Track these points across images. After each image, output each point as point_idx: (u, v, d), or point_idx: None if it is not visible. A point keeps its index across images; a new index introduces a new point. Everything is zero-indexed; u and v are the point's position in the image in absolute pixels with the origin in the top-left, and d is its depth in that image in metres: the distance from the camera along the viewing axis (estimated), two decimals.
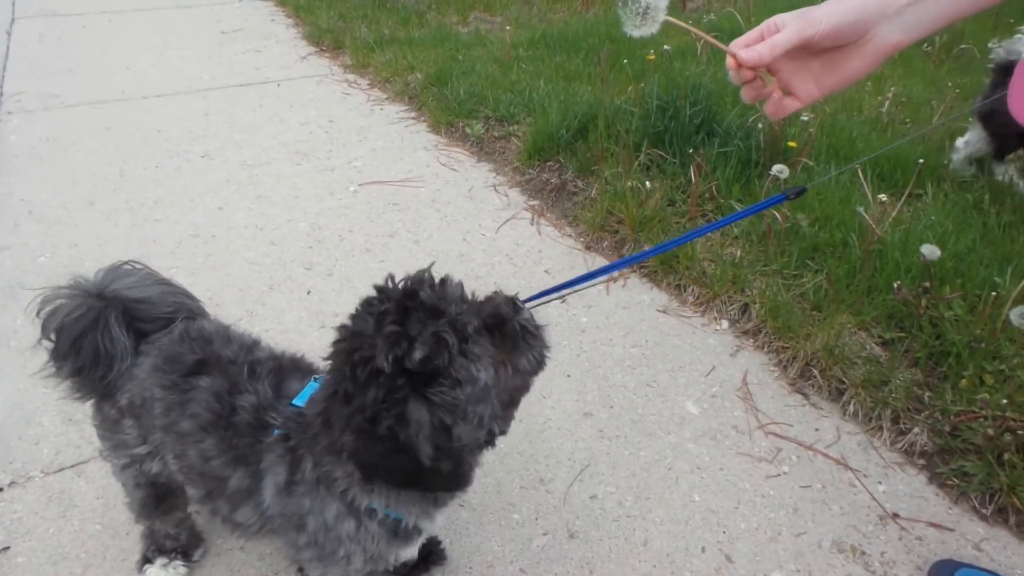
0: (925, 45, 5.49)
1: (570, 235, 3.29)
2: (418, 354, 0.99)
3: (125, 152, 4.13)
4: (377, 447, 1.03)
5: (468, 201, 3.61)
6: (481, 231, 3.32)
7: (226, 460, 1.27)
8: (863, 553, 1.81)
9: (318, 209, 3.51)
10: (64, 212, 3.44)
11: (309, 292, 2.85)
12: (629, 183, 3.24)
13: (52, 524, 1.86)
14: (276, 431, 1.24)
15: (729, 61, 1.00)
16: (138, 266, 1.49)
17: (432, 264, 1.14)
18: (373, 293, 1.11)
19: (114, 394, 1.41)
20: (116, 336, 1.37)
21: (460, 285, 1.13)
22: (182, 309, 1.50)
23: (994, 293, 2.29)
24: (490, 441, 1.13)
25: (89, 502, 1.92)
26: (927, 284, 2.37)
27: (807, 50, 0.98)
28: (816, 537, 1.85)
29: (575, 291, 1.51)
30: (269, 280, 2.93)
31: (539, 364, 1.16)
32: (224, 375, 1.32)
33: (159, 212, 3.47)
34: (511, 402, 1.14)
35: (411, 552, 1.37)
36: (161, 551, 1.68)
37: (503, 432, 1.14)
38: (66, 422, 2.18)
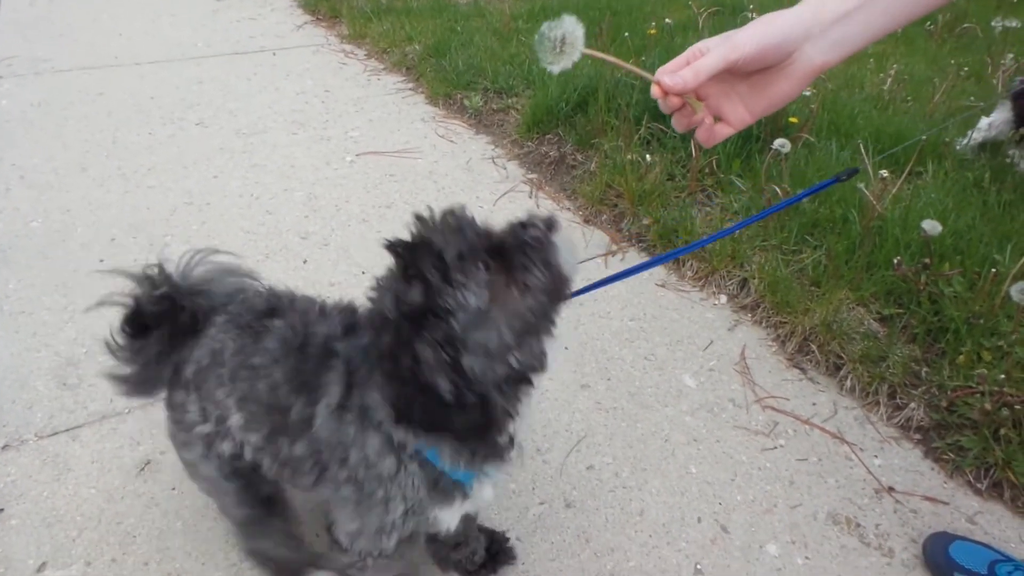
0: (928, 24, 5.45)
1: (569, 208, 3.27)
2: (411, 295, 0.98)
3: (118, 118, 4.07)
4: (404, 388, 1.02)
5: (466, 173, 3.58)
6: (479, 203, 3.29)
7: (291, 388, 1.23)
8: (858, 525, 1.82)
9: (314, 179, 3.47)
10: (56, 177, 3.39)
11: (305, 261, 2.83)
12: (629, 156, 3.22)
13: (46, 487, 1.85)
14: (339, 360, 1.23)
15: (654, 90, 0.96)
16: (210, 255, 1.46)
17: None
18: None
19: (181, 372, 1.37)
20: (188, 325, 1.36)
21: (470, 219, 1.06)
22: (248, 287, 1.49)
23: (993, 270, 2.28)
24: (517, 376, 1.06)
25: (84, 466, 1.91)
26: (927, 260, 2.36)
27: (734, 74, 0.95)
28: (811, 509, 1.86)
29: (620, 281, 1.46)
30: (265, 249, 2.90)
31: (554, 278, 1.04)
32: (296, 313, 1.31)
33: (152, 179, 3.42)
34: (528, 328, 1.04)
35: (452, 517, 1.29)
36: None
37: (531, 366, 1.06)
38: (60, 387, 2.16)
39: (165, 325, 1.35)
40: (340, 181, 3.45)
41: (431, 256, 0.98)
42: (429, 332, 0.98)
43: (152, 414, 2.07)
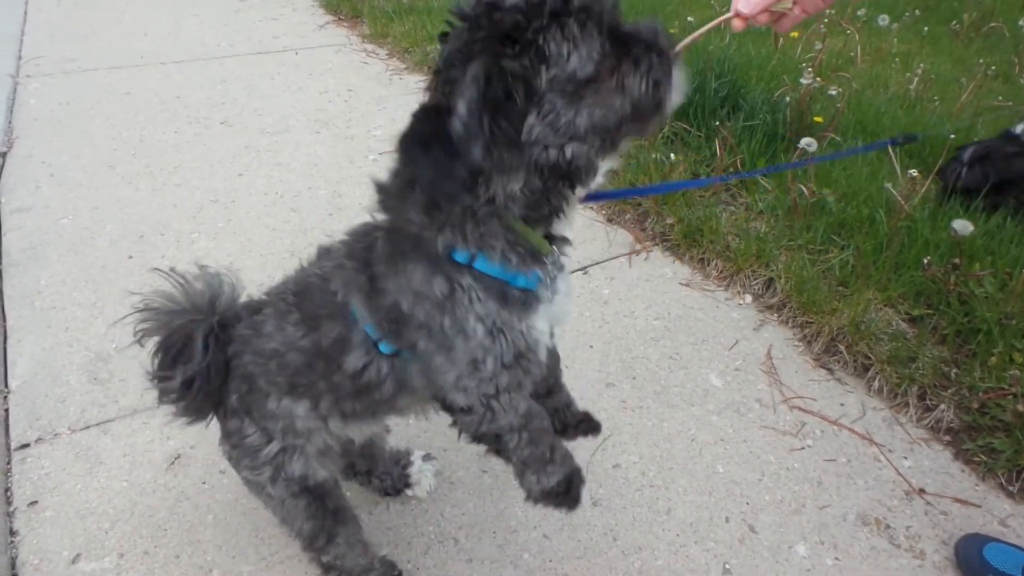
0: (954, 23, 5.38)
1: (592, 207, 3.26)
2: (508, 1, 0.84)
3: (144, 117, 4.11)
4: (426, 127, 0.88)
5: None
6: None
7: (320, 333, 1.21)
8: (888, 527, 1.80)
9: (338, 177, 3.49)
10: (84, 175, 3.43)
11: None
12: (653, 155, 3.21)
13: (79, 480, 1.87)
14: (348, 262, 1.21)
15: (736, 24, 0.97)
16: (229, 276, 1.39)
17: None
18: None
19: (226, 402, 1.32)
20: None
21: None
22: None
23: None
24: (562, 172, 0.93)
25: (115, 459, 1.93)
26: (956, 261, 2.34)
27: None
28: (840, 510, 1.84)
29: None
30: (290, 246, 2.92)
31: (654, 95, 0.93)
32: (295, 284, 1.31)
33: (179, 177, 3.46)
34: (605, 126, 0.93)
35: (542, 327, 1.16)
36: None
37: (580, 168, 0.94)
38: (91, 381, 2.19)
39: (203, 352, 1.28)
40: (364, 180, 3.45)
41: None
42: (506, 57, 0.85)
43: None
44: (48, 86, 4.50)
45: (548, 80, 0.86)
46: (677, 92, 0.98)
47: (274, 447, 1.32)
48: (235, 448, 1.36)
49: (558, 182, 0.97)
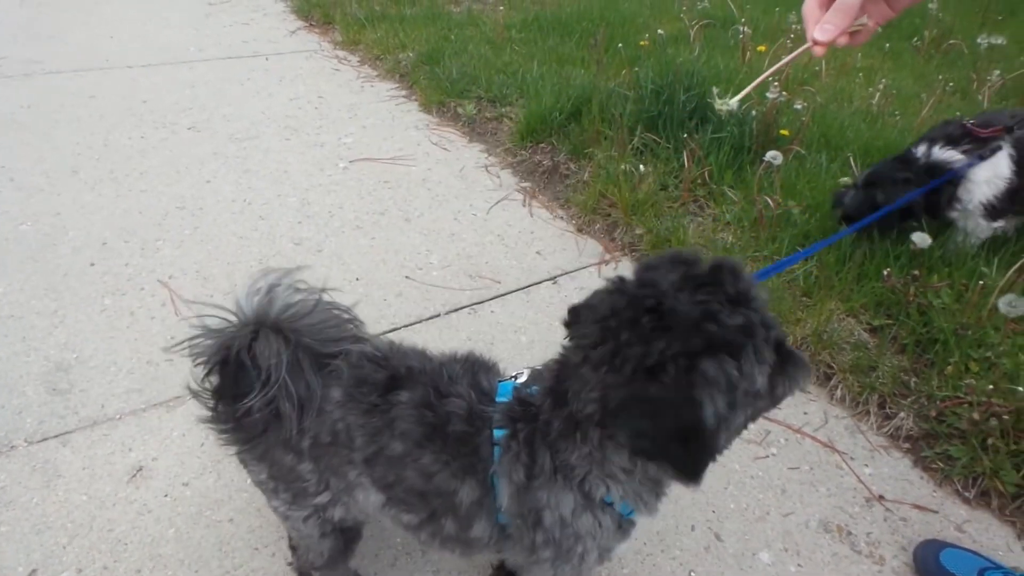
0: (915, 39, 5.53)
1: (562, 217, 3.28)
2: (737, 320, 0.94)
3: (109, 122, 4.05)
4: (651, 403, 0.95)
5: (460, 181, 3.58)
6: (472, 211, 3.30)
7: (451, 472, 1.18)
8: (849, 533, 1.84)
9: (308, 184, 3.47)
10: (46, 180, 3.37)
11: (299, 268, 2.82)
12: (622, 166, 3.24)
13: (36, 494, 1.83)
14: (498, 431, 1.17)
15: (817, 51, 0.98)
16: (299, 285, 1.28)
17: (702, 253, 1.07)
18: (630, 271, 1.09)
19: (293, 438, 1.23)
20: (313, 383, 1.20)
21: (752, 282, 1.02)
22: (348, 332, 1.32)
23: (981, 282, 2.32)
24: (715, 452, 1.03)
25: (74, 472, 1.89)
26: (915, 272, 2.40)
27: None
28: (803, 517, 1.88)
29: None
30: (258, 254, 2.89)
31: (786, 394, 1.08)
32: (421, 384, 1.22)
33: (144, 183, 3.40)
34: (752, 419, 1.07)
35: (626, 546, 1.30)
36: None
37: (726, 446, 1.05)
38: (50, 392, 2.14)
39: (281, 373, 1.16)
40: (333, 187, 3.45)
41: (757, 312, 0.98)
42: (726, 364, 0.94)
43: (144, 419, 2.06)
44: (9, 88, 4.41)
45: (742, 389, 0.96)
46: (799, 389, 1.13)
47: (325, 497, 1.29)
48: (275, 480, 1.30)
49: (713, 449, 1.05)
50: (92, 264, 2.76)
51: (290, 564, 1.62)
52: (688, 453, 0.98)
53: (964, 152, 2.53)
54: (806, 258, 2.66)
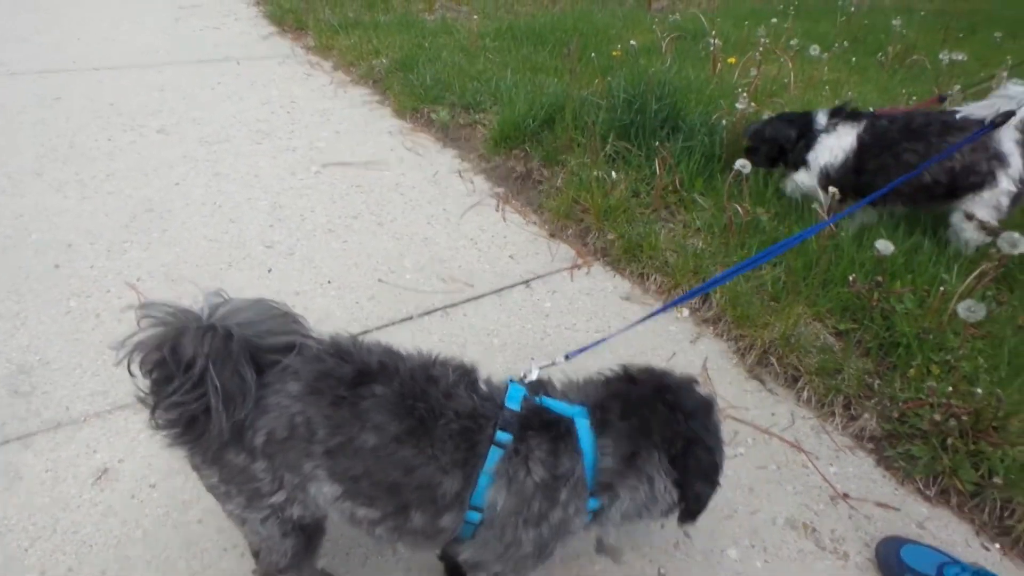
0: (880, 55, 5.68)
1: (535, 222, 3.31)
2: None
3: (75, 124, 3.99)
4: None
5: (433, 186, 3.59)
6: (446, 216, 3.31)
7: (438, 466, 1.21)
8: (814, 530, 1.87)
9: (279, 188, 3.45)
10: (9, 182, 3.30)
11: (270, 271, 2.80)
12: (595, 173, 3.28)
13: None
14: (503, 434, 1.24)
15: None
16: (233, 297, 1.27)
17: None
18: None
19: (243, 436, 1.22)
20: (245, 374, 1.18)
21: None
22: (291, 329, 1.30)
23: (942, 288, 2.38)
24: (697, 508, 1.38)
25: (37, 475, 1.85)
26: (879, 278, 2.46)
27: None
28: (770, 515, 1.91)
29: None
30: (228, 258, 2.87)
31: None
32: (399, 380, 1.25)
33: (111, 185, 3.36)
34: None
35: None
36: None
37: (699, 503, 1.37)
38: (12, 394, 2.10)
39: (206, 364, 1.15)
40: (305, 191, 3.44)
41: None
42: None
43: (109, 421, 2.03)
44: None
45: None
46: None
47: (281, 496, 1.28)
48: (227, 483, 1.27)
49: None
50: (56, 266, 2.71)
51: (255, 572, 1.59)
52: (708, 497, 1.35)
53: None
54: (772, 261, 2.72)
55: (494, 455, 1.22)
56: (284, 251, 2.94)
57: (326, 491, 1.25)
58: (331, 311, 2.57)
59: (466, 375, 1.33)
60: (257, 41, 5.84)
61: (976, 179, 2.63)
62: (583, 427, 1.30)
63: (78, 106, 4.24)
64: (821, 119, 2.97)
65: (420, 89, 4.53)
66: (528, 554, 1.29)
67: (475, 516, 1.24)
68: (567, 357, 1.44)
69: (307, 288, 2.71)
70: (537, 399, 1.33)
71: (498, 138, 3.85)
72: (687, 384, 1.41)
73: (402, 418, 1.21)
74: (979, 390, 2.06)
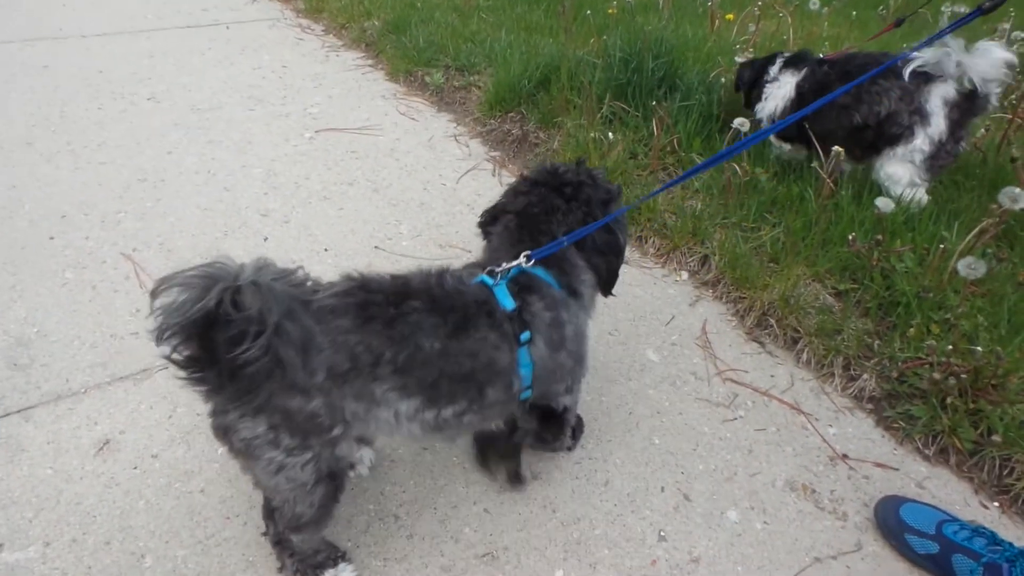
0: (880, 8, 5.56)
1: None
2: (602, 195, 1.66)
3: (65, 92, 3.92)
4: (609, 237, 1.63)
5: (428, 151, 3.55)
6: (441, 181, 3.27)
7: (491, 344, 1.41)
8: (814, 491, 1.88)
9: (273, 155, 3.40)
10: (0, 153, 3.25)
11: (266, 239, 2.78)
12: (592, 135, 3.23)
13: (0, 469, 1.79)
14: (507, 302, 1.45)
15: None
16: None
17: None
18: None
19: (298, 378, 1.23)
20: (308, 321, 1.19)
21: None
22: (311, 281, 1.31)
23: (942, 246, 2.37)
24: (610, 280, 1.69)
25: (39, 447, 1.85)
26: (879, 237, 2.44)
27: None
28: (770, 477, 1.92)
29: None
30: (223, 226, 2.84)
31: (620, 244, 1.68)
32: (423, 292, 1.39)
33: (103, 155, 3.31)
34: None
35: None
36: (342, 559, 1.60)
37: (610, 276, 1.68)
38: (11, 367, 2.10)
39: (274, 317, 1.13)
40: (300, 158, 3.39)
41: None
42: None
43: (109, 393, 2.03)
44: None
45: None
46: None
47: (338, 431, 1.32)
48: (277, 430, 1.27)
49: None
50: (51, 238, 2.69)
51: (265, 534, 1.61)
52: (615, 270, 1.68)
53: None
54: (770, 221, 2.69)
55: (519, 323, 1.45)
56: (280, 219, 2.91)
57: (402, 409, 1.36)
58: (329, 279, 2.55)
59: (453, 275, 1.47)
60: (246, 4, 5.72)
61: (897, 130, 2.63)
62: (539, 271, 1.54)
63: (67, 74, 4.16)
64: (774, 68, 3.02)
65: (413, 51, 4.44)
66: (571, 366, 1.58)
67: (528, 369, 1.47)
68: (529, 257, 1.52)
69: (304, 256, 2.69)
70: (504, 277, 1.51)
71: (493, 101, 3.79)
72: (584, 179, 1.65)
73: (447, 317, 1.37)
74: (979, 348, 2.05)
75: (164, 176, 3.17)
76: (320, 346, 1.23)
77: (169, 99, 3.94)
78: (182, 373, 1.19)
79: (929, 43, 2.41)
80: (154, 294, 1.13)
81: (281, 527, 1.49)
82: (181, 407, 1.99)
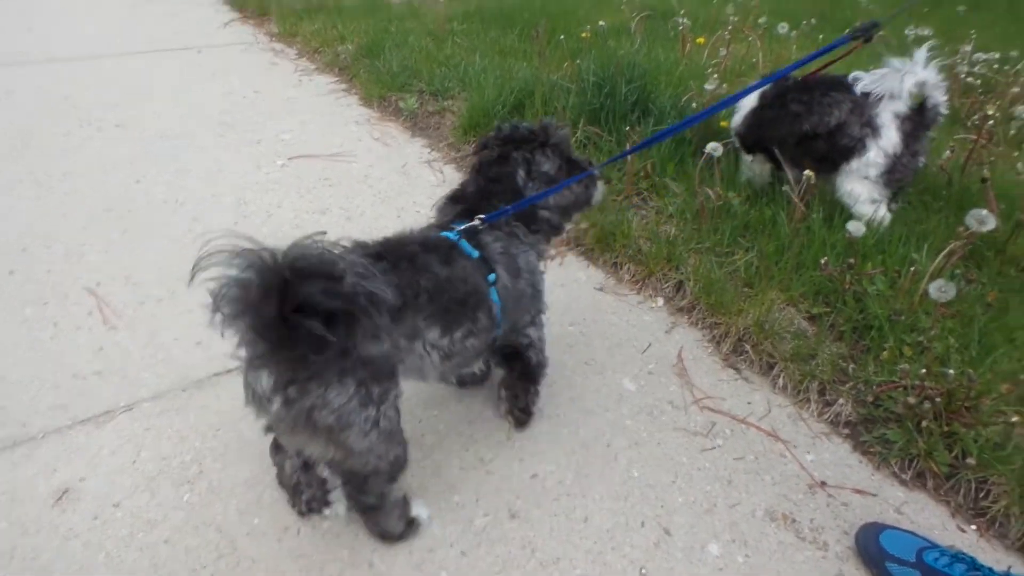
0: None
1: None
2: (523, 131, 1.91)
3: (28, 119, 3.85)
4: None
5: (402, 177, 3.52)
6: (416, 208, 3.25)
7: (472, 276, 1.66)
8: (794, 521, 1.87)
9: (244, 183, 3.36)
10: None
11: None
12: None
13: None
14: (468, 248, 1.69)
15: None
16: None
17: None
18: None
19: (379, 324, 1.31)
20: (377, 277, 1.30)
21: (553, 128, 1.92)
22: None
23: (912, 268, 2.39)
24: (556, 224, 1.94)
25: None
26: (851, 260, 2.45)
27: None
28: (750, 507, 1.90)
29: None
30: (192, 257, 2.77)
31: (586, 190, 1.98)
32: (410, 243, 1.62)
33: (68, 184, 3.24)
34: (568, 205, 1.96)
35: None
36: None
37: (560, 222, 1.96)
38: None
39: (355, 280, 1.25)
40: (271, 186, 3.35)
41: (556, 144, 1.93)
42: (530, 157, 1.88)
43: (70, 437, 1.96)
44: None
45: (544, 170, 1.89)
46: (598, 194, 2.04)
47: (399, 368, 1.51)
48: (366, 385, 1.37)
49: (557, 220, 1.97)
50: (11, 272, 2.61)
51: (296, 508, 1.75)
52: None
53: None
54: (743, 246, 2.70)
55: (476, 256, 1.69)
56: None
57: (430, 337, 1.57)
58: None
59: (421, 231, 1.74)
60: (217, 28, 5.68)
61: (848, 142, 2.68)
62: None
63: (31, 100, 4.08)
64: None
65: (387, 76, 4.43)
66: (531, 294, 1.86)
67: (499, 307, 1.72)
68: (483, 220, 1.74)
69: None
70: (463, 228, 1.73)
71: (467, 125, 3.78)
72: (534, 133, 1.90)
73: (441, 256, 1.61)
74: (951, 371, 2.07)
75: (131, 206, 3.10)
76: (380, 287, 1.31)
77: (138, 126, 3.88)
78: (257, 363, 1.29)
79: (808, 61, 2.48)
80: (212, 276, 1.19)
81: (354, 489, 1.59)
82: (145, 451, 1.92)
